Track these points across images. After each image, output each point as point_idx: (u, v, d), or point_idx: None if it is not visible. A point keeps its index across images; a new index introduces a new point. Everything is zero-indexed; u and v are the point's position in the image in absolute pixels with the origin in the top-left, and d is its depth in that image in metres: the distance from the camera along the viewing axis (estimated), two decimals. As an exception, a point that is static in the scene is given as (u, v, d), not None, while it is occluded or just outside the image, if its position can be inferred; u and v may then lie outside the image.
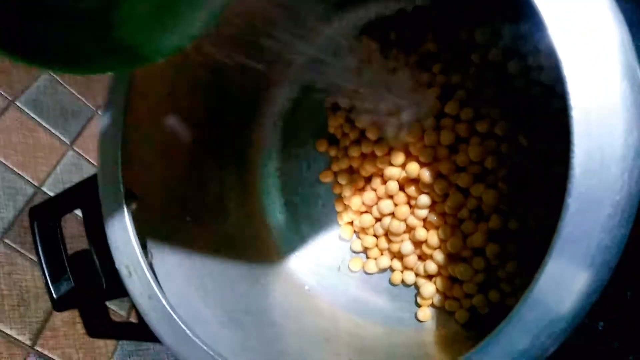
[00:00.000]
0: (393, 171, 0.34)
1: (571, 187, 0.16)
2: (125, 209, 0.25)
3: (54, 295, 0.27)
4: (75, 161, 0.41)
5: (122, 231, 0.25)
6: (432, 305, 0.35)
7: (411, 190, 0.34)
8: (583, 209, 0.16)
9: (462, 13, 0.34)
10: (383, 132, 0.35)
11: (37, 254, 0.27)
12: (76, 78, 0.46)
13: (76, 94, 0.45)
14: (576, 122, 0.16)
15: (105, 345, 0.35)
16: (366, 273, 0.38)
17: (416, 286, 0.36)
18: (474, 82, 0.32)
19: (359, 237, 0.39)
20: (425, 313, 0.35)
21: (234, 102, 0.38)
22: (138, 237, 0.26)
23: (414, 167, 0.32)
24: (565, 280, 0.17)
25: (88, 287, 0.27)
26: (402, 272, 0.36)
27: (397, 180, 0.34)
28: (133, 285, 0.24)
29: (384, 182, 0.35)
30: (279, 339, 0.30)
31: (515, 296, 0.32)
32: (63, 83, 0.44)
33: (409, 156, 0.33)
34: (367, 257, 0.38)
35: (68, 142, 0.42)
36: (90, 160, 0.43)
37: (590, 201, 0.16)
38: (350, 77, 0.39)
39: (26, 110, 0.39)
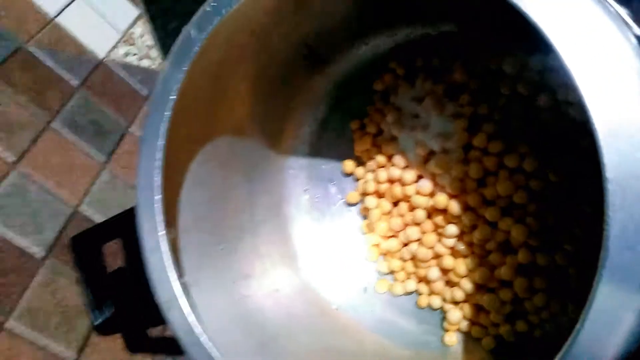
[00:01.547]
0: (420, 200, 0.34)
1: (605, 259, 0.17)
2: (162, 245, 0.26)
3: (94, 323, 0.28)
4: (110, 179, 0.43)
5: (161, 268, 0.26)
6: (459, 330, 0.35)
7: (439, 219, 0.34)
8: (616, 280, 0.17)
9: (490, 41, 0.34)
10: (410, 160, 0.35)
11: (81, 282, 0.28)
12: (108, 95, 0.47)
13: (109, 111, 0.46)
14: (611, 194, 0.17)
15: (142, 358, 0.37)
16: (392, 295, 0.39)
17: (443, 310, 0.36)
18: (503, 115, 0.32)
19: (385, 260, 0.39)
20: (452, 338, 0.35)
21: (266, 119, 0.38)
22: (176, 267, 0.27)
23: (442, 199, 0.33)
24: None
25: (128, 314, 0.29)
26: (429, 296, 0.37)
27: (425, 209, 0.34)
28: (174, 319, 0.25)
29: (411, 208, 0.36)
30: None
31: (543, 328, 0.32)
32: (96, 101, 0.45)
33: (437, 185, 0.34)
34: (394, 280, 0.39)
35: (103, 160, 0.43)
36: (123, 178, 0.44)
37: (622, 276, 0.16)
38: (377, 100, 0.39)
39: (61, 131, 0.41)
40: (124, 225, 0.29)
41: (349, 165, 0.40)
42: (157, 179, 0.26)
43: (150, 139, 0.27)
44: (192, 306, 0.27)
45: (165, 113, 0.26)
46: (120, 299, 0.30)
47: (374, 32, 0.38)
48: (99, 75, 0.47)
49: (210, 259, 0.32)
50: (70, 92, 0.43)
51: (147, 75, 0.53)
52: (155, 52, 0.55)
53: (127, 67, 0.51)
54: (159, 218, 0.26)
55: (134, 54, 0.52)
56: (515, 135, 0.31)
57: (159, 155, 0.26)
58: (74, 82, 0.44)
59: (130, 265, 0.28)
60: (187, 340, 0.25)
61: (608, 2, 0.19)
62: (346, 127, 0.41)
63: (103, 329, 0.28)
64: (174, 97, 0.26)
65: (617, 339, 0.17)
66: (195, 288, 0.29)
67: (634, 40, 0.18)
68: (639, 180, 0.17)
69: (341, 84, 0.40)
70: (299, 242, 0.41)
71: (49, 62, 0.42)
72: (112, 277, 0.31)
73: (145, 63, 0.53)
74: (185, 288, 0.28)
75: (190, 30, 0.26)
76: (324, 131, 0.42)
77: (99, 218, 0.40)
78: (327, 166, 0.42)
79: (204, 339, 0.25)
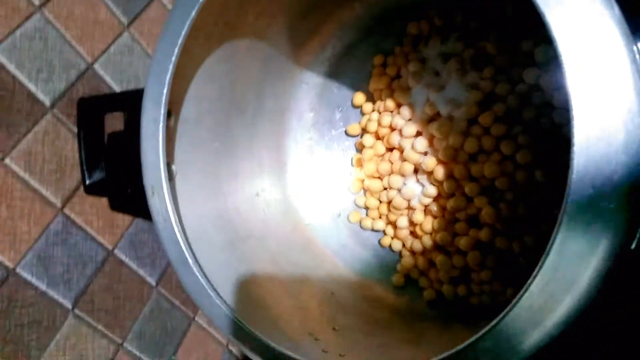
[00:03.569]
0: (413, 155, 0.35)
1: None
2: (161, 133, 0.28)
3: (86, 182, 0.30)
4: (129, 43, 0.43)
5: (155, 155, 0.28)
6: (408, 275, 0.39)
7: (423, 177, 0.36)
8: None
9: (532, 22, 0.33)
10: (416, 115, 0.36)
11: (79, 142, 0.30)
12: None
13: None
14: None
15: (122, 218, 0.41)
16: (361, 227, 0.41)
17: (400, 255, 0.39)
18: (518, 101, 0.32)
19: (365, 195, 0.41)
20: (400, 280, 0.39)
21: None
22: (166, 155, 0.29)
23: (431, 162, 0.34)
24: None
25: (117, 183, 0.31)
26: (392, 238, 0.40)
27: (414, 164, 0.36)
28: (154, 204, 0.28)
29: (402, 159, 0.37)
30: (266, 271, 0.35)
31: (480, 298, 0.35)
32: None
33: (432, 146, 0.35)
34: (366, 215, 0.41)
35: (125, 23, 0.43)
36: (142, 45, 0.44)
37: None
38: (406, 44, 0.39)
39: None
40: (131, 102, 0.30)
41: (359, 97, 0.41)
42: (168, 75, 0.27)
43: (170, 33, 0.27)
44: (174, 194, 0.29)
45: (192, 13, 0.26)
46: (113, 166, 0.32)
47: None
48: None
49: (203, 153, 0.34)
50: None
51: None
52: None
53: None
54: (163, 110, 0.27)
55: None
56: (521, 125, 0.32)
57: (175, 50, 0.27)
58: None
59: (128, 139, 0.30)
60: (161, 224, 0.27)
61: (638, 50, 0.19)
62: (369, 59, 0.41)
63: (92, 190, 0.31)
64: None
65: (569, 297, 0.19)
66: (182, 177, 0.31)
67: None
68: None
69: (378, 16, 0.39)
70: (292, 155, 0.43)
71: None
72: (109, 145, 0.33)
73: None
74: (171, 176, 0.30)
75: None
76: (347, 57, 0.42)
77: (109, 80, 0.41)
78: (339, 91, 0.43)
79: (177, 227, 0.27)
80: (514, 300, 0.20)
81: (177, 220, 0.28)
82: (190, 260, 0.27)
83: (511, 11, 0.34)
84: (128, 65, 0.43)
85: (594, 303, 0.20)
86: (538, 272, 0.19)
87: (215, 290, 0.27)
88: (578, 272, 0.19)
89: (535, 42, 0.32)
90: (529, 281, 0.19)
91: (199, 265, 0.28)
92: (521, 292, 0.19)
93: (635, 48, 0.19)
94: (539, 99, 0.31)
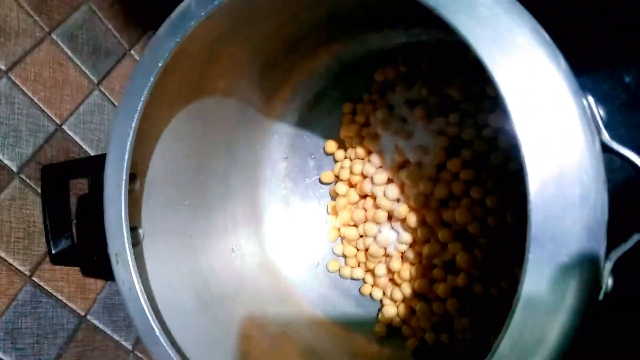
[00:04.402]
0: (385, 202, 0.35)
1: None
2: (123, 200, 0.28)
3: (52, 251, 0.30)
4: (99, 102, 0.43)
5: (117, 221, 0.27)
6: (391, 324, 0.38)
7: (397, 224, 0.35)
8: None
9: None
10: (386, 162, 0.36)
11: (43, 211, 0.30)
12: (116, 13, 0.46)
13: (113, 30, 0.45)
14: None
15: (95, 283, 0.39)
16: (340, 277, 0.41)
17: (381, 303, 0.39)
18: (484, 145, 0.32)
19: (342, 243, 0.41)
20: (382, 329, 0.38)
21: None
22: (133, 217, 0.29)
23: (403, 209, 0.34)
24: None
25: (85, 251, 0.31)
26: (372, 286, 0.39)
27: (387, 211, 0.35)
28: (118, 273, 0.27)
29: (376, 206, 0.37)
30: (241, 329, 0.34)
31: (464, 345, 0.34)
32: (101, 17, 0.44)
33: (403, 193, 0.35)
34: (345, 263, 0.41)
35: (95, 81, 0.43)
36: (114, 102, 0.44)
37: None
38: (374, 91, 0.39)
39: (61, 43, 0.41)
40: (95, 166, 0.30)
41: (331, 145, 0.41)
42: (129, 141, 0.27)
43: (130, 98, 0.27)
44: (140, 261, 0.28)
45: (151, 78, 0.26)
46: (81, 233, 0.31)
47: (390, 23, 0.37)
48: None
49: (173, 213, 0.34)
50: (77, 4, 0.43)
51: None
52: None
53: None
54: (124, 176, 0.27)
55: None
56: (488, 168, 0.32)
57: (135, 116, 0.27)
58: (82, -8, 0.43)
59: (93, 204, 0.29)
60: (126, 294, 0.27)
61: (588, 103, 0.19)
62: (339, 107, 0.41)
63: (58, 260, 0.30)
64: (162, 63, 0.26)
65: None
66: (151, 239, 0.31)
67: (598, 146, 0.19)
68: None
69: (345, 65, 0.40)
70: (267, 206, 0.43)
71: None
72: (78, 208, 0.32)
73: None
74: (138, 240, 0.29)
75: (191, 2, 0.25)
76: (317, 105, 0.42)
77: (80, 141, 0.40)
78: (311, 140, 0.43)
79: (142, 297, 0.26)
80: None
81: (143, 289, 0.27)
82: (157, 332, 0.26)
83: (474, 56, 0.35)
84: (99, 124, 0.42)
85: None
86: (505, 332, 0.19)
87: (183, 357, 0.26)
88: (546, 329, 0.19)
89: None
90: (497, 341, 0.19)
91: (168, 335, 0.27)
92: (490, 354, 0.19)
93: (585, 101, 0.19)
94: (506, 142, 0.32)
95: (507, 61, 0.19)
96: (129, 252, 0.27)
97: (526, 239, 0.19)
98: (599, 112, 0.19)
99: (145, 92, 0.26)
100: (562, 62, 0.19)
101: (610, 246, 0.19)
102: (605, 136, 0.19)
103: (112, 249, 0.27)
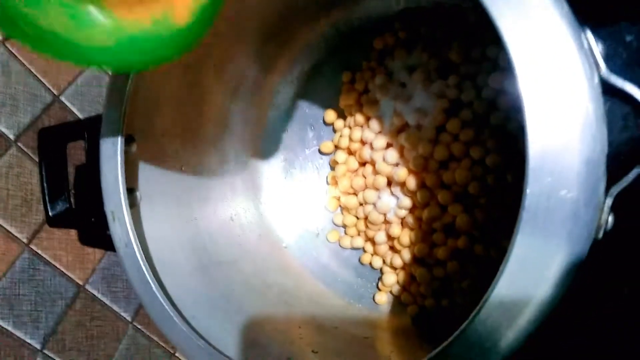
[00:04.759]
0: (384, 167, 0.35)
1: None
2: (119, 158, 0.27)
3: (50, 213, 0.30)
4: (97, 73, 0.43)
5: (114, 178, 0.27)
6: (391, 292, 0.38)
7: (397, 189, 0.35)
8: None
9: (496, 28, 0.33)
10: (385, 127, 0.35)
11: (40, 172, 0.30)
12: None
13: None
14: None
15: (93, 252, 0.39)
16: (340, 246, 0.40)
17: (381, 272, 0.38)
18: (483, 106, 0.32)
19: (342, 212, 0.41)
20: (382, 297, 0.37)
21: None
22: (130, 178, 0.28)
23: (402, 173, 0.33)
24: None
25: (82, 213, 0.30)
26: (372, 255, 0.39)
27: (386, 176, 0.35)
28: (115, 230, 0.27)
29: (375, 172, 0.36)
30: (241, 295, 0.33)
31: (464, 309, 0.34)
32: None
33: (402, 157, 0.34)
34: (345, 233, 0.40)
35: (93, 54, 0.43)
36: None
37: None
38: (373, 58, 0.39)
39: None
40: (92, 128, 0.29)
41: (330, 114, 0.41)
42: (125, 96, 0.26)
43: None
44: (137, 220, 0.28)
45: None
46: (77, 195, 0.31)
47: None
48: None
49: (170, 177, 0.33)
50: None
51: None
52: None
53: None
54: (120, 132, 0.27)
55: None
56: (488, 129, 0.31)
57: (131, 75, 0.26)
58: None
59: (90, 167, 0.29)
60: (123, 250, 0.26)
61: (585, 36, 0.18)
62: (338, 76, 0.41)
63: (55, 222, 0.30)
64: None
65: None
66: (148, 202, 0.31)
67: (596, 80, 0.18)
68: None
69: (344, 33, 0.40)
70: (266, 177, 0.42)
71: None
72: (76, 175, 0.32)
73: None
74: (134, 202, 0.29)
75: None
76: (316, 75, 0.42)
77: (77, 112, 0.40)
78: (310, 110, 0.42)
79: (139, 253, 0.26)
80: (483, 300, 0.19)
81: (139, 246, 0.27)
82: (153, 286, 0.26)
83: (474, 19, 0.34)
84: (97, 95, 0.42)
85: (567, 296, 0.19)
86: (505, 266, 0.18)
87: (181, 316, 0.26)
88: (546, 263, 0.18)
89: (499, 47, 0.32)
90: (496, 277, 0.19)
91: (164, 291, 0.26)
92: (489, 290, 0.19)
93: (583, 36, 0.19)
94: (505, 103, 0.31)
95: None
96: (125, 209, 0.27)
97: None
98: (598, 47, 0.19)
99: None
100: (565, 5, 0.19)
101: (610, 182, 0.19)
102: (605, 71, 0.19)
103: (109, 206, 0.27)
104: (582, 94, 0.18)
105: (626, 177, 0.18)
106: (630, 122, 0.19)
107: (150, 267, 0.27)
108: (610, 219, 0.19)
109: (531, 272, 0.18)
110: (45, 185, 0.30)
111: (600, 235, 0.19)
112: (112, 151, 0.27)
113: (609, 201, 0.19)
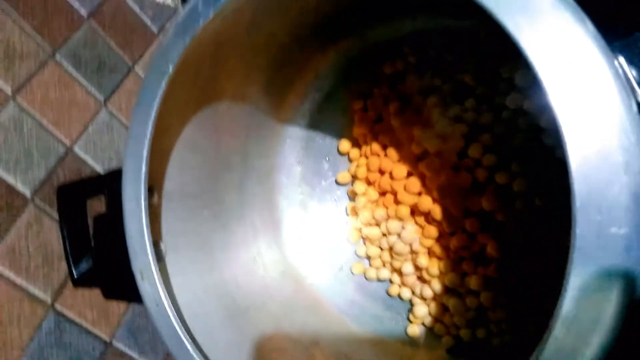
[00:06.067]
0: (407, 197, 0.34)
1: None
2: (144, 213, 0.27)
3: (74, 275, 0.29)
4: (108, 120, 0.43)
5: (139, 235, 0.27)
6: (423, 324, 0.37)
7: (421, 218, 0.34)
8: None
9: (508, 48, 0.32)
10: (404, 155, 0.35)
11: (62, 233, 0.29)
12: (117, 29, 0.46)
13: (115, 47, 0.45)
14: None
15: (117, 306, 0.39)
16: (366, 279, 0.40)
17: (411, 303, 0.37)
18: (504, 128, 0.31)
19: (364, 244, 0.40)
20: (415, 330, 0.36)
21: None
22: (154, 232, 0.28)
23: (427, 202, 0.33)
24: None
25: (107, 269, 0.30)
26: (400, 286, 0.38)
27: (410, 206, 0.35)
28: (144, 289, 0.26)
29: (397, 202, 0.36)
30: (271, 340, 0.33)
31: (501, 338, 0.33)
32: (102, 35, 0.44)
33: (425, 186, 0.34)
34: (370, 265, 0.40)
35: (102, 100, 0.43)
36: (121, 120, 0.44)
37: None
38: (383, 85, 0.38)
39: (64, 64, 0.40)
40: (112, 183, 0.29)
41: (345, 144, 0.40)
42: (145, 151, 0.26)
43: (143, 107, 0.26)
44: (165, 275, 0.28)
45: (162, 82, 0.26)
46: (100, 253, 0.31)
47: (395, 14, 0.36)
48: (110, 6, 0.45)
49: (192, 225, 0.33)
50: (78, 24, 0.42)
51: (159, 11, 0.51)
52: (170, -11, 0.53)
53: (140, 0, 0.49)
54: (143, 187, 0.26)
55: (148, -12, 0.50)
56: (510, 152, 0.31)
57: (150, 125, 0.26)
58: (83, 11, 0.43)
59: (112, 222, 0.29)
60: (154, 309, 0.26)
61: (620, 64, 0.18)
62: (349, 105, 0.41)
63: (80, 282, 0.29)
64: (172, 68, 0.26)
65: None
66: (173, 254, 0.30)
67: (635, 108, 0.18)
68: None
69: (353, 61, 0.39)
70: (285, 212, 0.42)
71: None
72: (95, 230, 0.32)
73: (159, -1, 0.51)
74: (160, 255, 0.29)
75: (198, 2, 0.25)
76: (327, 105, 0.41)
77: (91, 161, 0.40)
78: (324, 141, 0.42)
79: (170, 311, 0.25)
80: (538, 348, 0.18)
81: (170, 304, 0.26)
82: (189, 347, 0.25)
83: (485, 39, 0.34)
84: (109, 143, 0.42)
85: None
86: (558, 313, 0.18)
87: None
88: (601, 307, 0.17)
89: (513, 67, 0.32)
90: (550, 323, 0.18)
91: (199, 349, 0.26)
92: (545, 337, 0.18)
93: (616, 62, 0.18)
94: (525, 123, 0.31)
95: (532, 27, 0.18)
96: (154, 267, 0.26)
97: (571, 214, 0.18)
98: (632, 73, 0.18)
99: (158, 98, 0.26)
100: (589, 24, 0.18)
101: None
102: (643, 97, 0.18)
103: (136, 265, 0.27)
104: (622, 124, 0.17)
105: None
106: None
107: (182, 324, 0.26)
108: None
109: (586, 316, 0.17)
110: (67, 246, 0.29)
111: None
112: (136, 208, 0.27)
113: (661, 233, 0.18)
